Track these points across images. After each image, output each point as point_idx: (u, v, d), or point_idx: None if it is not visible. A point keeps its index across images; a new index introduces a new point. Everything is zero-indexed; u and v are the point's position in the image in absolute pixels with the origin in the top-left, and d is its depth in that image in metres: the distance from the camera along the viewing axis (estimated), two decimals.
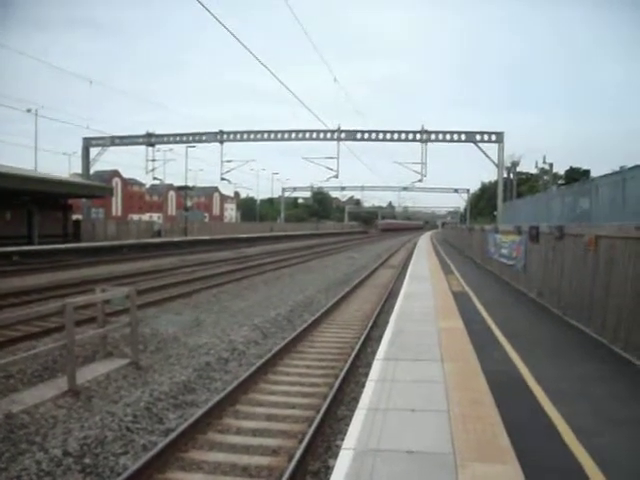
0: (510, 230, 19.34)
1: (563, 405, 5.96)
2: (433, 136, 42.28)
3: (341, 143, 44.46)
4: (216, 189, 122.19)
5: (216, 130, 45.98)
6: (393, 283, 21.57)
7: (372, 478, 4.21)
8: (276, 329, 13.05)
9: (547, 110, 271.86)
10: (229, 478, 5.62)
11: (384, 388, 6.49)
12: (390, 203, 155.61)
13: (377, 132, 43.57)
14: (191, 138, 47.70)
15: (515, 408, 5.91)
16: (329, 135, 43.66)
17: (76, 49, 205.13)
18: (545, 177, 41.12)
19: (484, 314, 12.07)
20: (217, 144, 46.41)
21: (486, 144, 41.01)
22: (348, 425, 5.58)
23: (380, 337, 9.86)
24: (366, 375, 7.59)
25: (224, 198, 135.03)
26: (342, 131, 43.61)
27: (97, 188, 43.22)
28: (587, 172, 49.87)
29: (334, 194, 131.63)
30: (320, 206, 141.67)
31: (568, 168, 57.74)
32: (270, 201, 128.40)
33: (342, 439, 5.44)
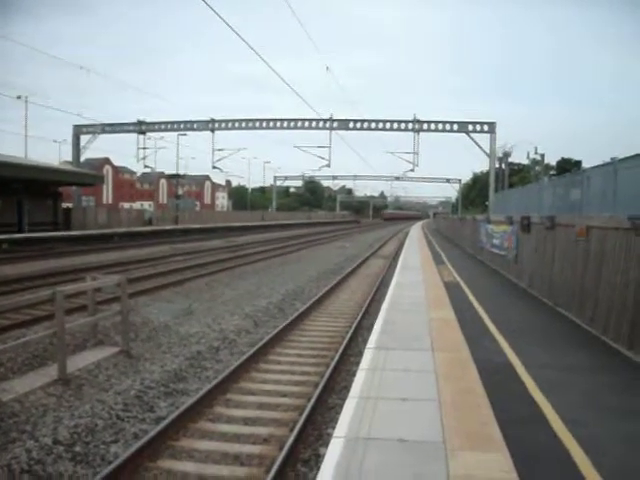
0: (502, 220, 19.39)
1: (552, 394, 6.01)
2: (425, 126, 42.18)
3: (333, 132, 44.40)
4: (207, 177, 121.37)
5: (208, 118, 45.67)
6: (384, 273, 21.61)
7: (363, 466, 4.23)
8: (267, 318, 13.06)
9: (539, 101, 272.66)
10: (220, 466, 5.63)
11: (375, 377, 6.51)
12: (382, 193, 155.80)
13: (369, 121, 43.35)
14: (182, 126, 47.23)
15: (505, 397, 5.95)
16: (321, 124, 43.46)
17: (76, 38, 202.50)
18: (537, 167, 41.20)
19: (475, 304, 12.12)
20: (209, 132, 46.17)
21: (478, 134, 41.04)
22: (339, 414, 5.59)
23: (371, 326, 9.88)
24: (357, 364, 7.61)
25: (215, 186, 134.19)
26: (334, 120, 43.43)
27: (88, 176, 42.90)
28: (579, 163, 50.03)
29: (326, 183, 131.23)
30: (312, 195, 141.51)
31: (560, 159, 57.93)
32: (262, 190, 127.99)
33: (333, 427, 5.46)
